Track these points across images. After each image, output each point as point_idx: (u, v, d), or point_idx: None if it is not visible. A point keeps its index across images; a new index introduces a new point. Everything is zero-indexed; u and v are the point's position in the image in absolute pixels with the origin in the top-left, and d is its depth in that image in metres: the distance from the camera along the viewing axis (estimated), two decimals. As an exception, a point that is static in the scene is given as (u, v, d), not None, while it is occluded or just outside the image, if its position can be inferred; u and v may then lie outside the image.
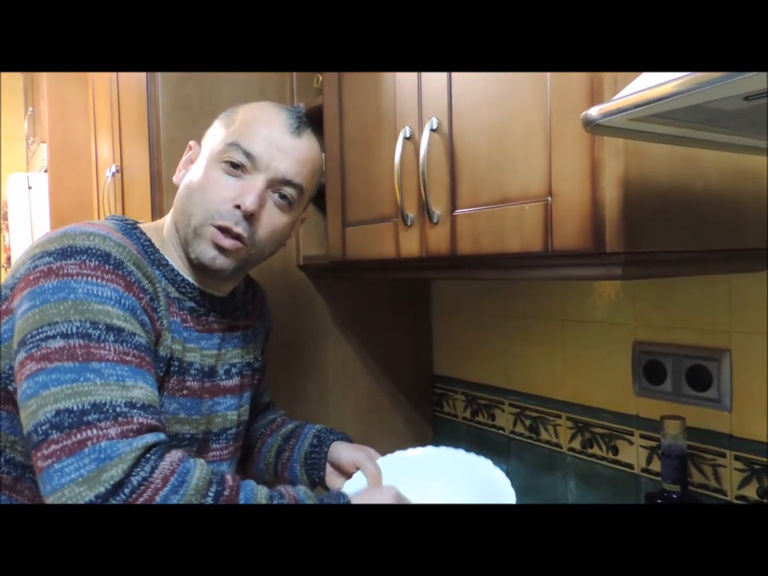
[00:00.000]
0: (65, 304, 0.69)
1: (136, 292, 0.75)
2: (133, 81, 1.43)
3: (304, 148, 0.85)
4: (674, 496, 0.91)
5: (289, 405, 1.37)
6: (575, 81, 0.71)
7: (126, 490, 0.62)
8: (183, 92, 1.26)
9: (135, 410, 0.67)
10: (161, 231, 0.88)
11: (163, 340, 0.79)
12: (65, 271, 0.70)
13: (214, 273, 0.85)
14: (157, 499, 0.63)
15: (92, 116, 1.91)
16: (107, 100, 1.67)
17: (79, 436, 0.63)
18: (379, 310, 1.48)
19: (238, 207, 0.80)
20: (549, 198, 0.75)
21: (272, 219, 0.85)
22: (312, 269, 1.38)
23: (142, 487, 0.63)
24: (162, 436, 0.69)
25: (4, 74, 3.67)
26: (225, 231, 0.81)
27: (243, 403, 0.96)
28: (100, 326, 0.69)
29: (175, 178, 0.89)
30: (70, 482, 0.62)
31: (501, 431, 1.37)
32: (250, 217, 0.81)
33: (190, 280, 0.86)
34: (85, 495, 0.61)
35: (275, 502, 0.72)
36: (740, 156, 0.75)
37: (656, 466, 1.05)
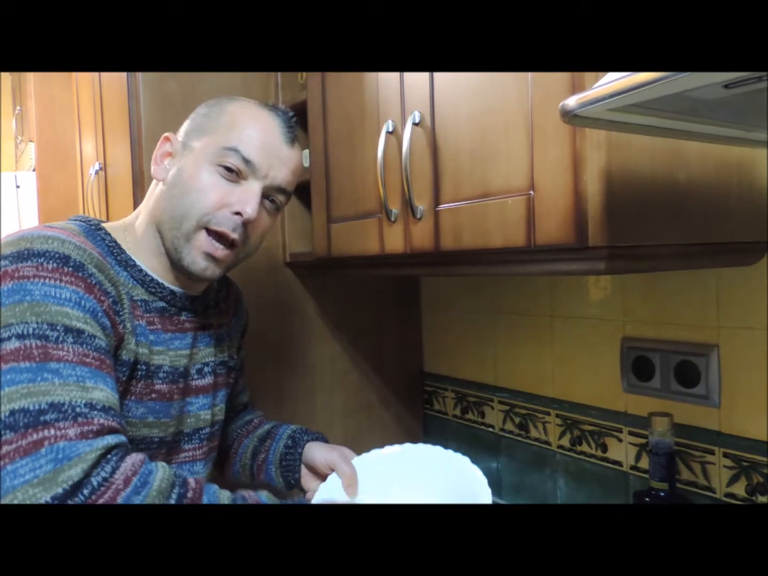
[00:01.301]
0: (21, 306, 0.66)
1: (97, 294, 0.72)
2: (115, 78, 1.41)
3: (296, 158, 0.86)
4: (662, 494, 0.90)
5: (276, 404, 1.35)
6: (557, 74, 0.69)
7: (85, 491, 0.60)
8: (164, 88, 1.24)
9: (95, 411, 0.64)
10: (131, 229, 0.86)
11: (126, 344, 0.77)
12: (21, 273, 0.67)
13: (202, 280, 0.84)
14: (119, 501, 0.61)
15: (77, 114, 1.89)
16: (90, 97, 1.66)
17: (35, 436, 0.61)
18: (367, 307, 1.46)
19: (237, 213, 0.79)
20: (531, 192, 0.73)
21: (264, 224, 0.85)
22: (299, 266, 1.36)
23: (103, 488, 0.61)
24: (123, 438, 0.67)
25: (-8, 73, 3.64)
26: (220, 237, 0.80)
27: (217, 402, 0.94)
28: (58, 327, 0.66)
29: (154, 171, 0.85)
30: (23, 483, 0.59)
31: (491, 429, 1.35)
32: (248, 224, 0.81)
33: (160, 280, 0.84)
34: (40, 496, 0.59)
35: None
36: (723, 148, 0.74)
37: (645, 463, 1.04)
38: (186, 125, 0.87)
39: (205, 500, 0.69)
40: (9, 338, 0.64)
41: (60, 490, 0.59)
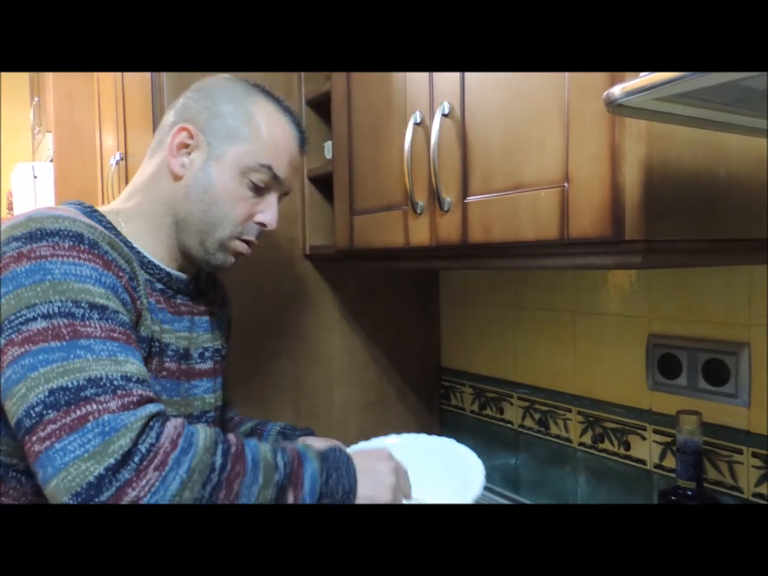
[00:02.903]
0: (42, 285, 0.65)
1: (115, 270, 0.72)
2: (138, 67, 1.40)
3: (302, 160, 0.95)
4: (689, 493, 0.89)
5: (294, 396, 1.35)
6: (594, 62, 0.68)
7: (136, 459, 0.61)
8: (187, 79, 1.23)
9: (132, 383, 0.65)
10: (126, 214, 0.85)
11: (144, 320, 0.77)
12: (37, 253, 0.67)
13: (218, 269, 0.89)
14: (169, 462, 0.62)
15: (97, 105, 1.89)
16: (112, 88, 1.65)
17: (78, 412, 0.61)
18: (386, 301, 1.46)
19: (260, 224, 0.86)
20: (566, 184, 0.72)
21: None
22: (318, 259, 1.35)
23: (152, 453, 0.62)
24: (161, 406, 0.67)
25: (10, 63, 3.64)
26: (247, 242, 0.87)
27: (217, 387, 0.95)
28: (83, 304, 0.66)
29: (172, 164, 0.84)
30: (75, 459, 0.59)
31: (509, 425, 1.34)
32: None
33: (156, 261, 0.84)
34: (93, 469, 0.59)
35: (278, 456, 0.71)
36: (763, 142, 0.72)
37: (670, 462, 1.03)
38: (205, 116, 0.84)
39: (247, 452, 0.69)
40: (35, 318, 0.64)
41: (112, 461, 0.60)
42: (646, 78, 0.51)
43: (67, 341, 0.64)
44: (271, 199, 0.87)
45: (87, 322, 0.66)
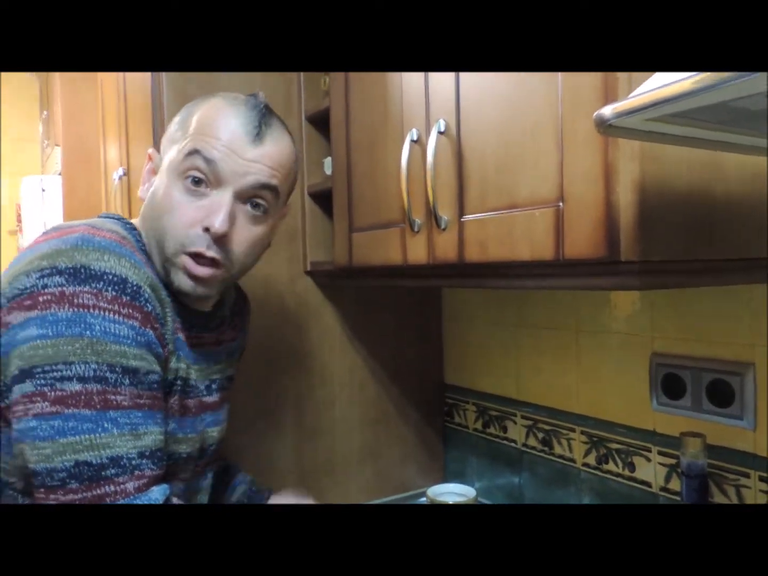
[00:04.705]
0: (81, 341, 0.66)
1: (152, 322, 0.72)
2: (139, 83, 1.41)
3: (270, 154, 0.78)
4: (693, 518, 0.87)
5: (295, 414, 1.34)
6: (588, 79, 0.67)
7: None
8: (188, 93, 1.23)
9: (145, 460, 0.69)
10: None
11: (169, 363, 0.77)
12: (80, 300, 0.66)
13: (198, 300, 0.82)
14: None
15: (101, 119, 1.90)
16: (115, 102, 1.66)
17: (98, 491, 0.66)
18: (388, 318, 1.44)
19: (207, 230, 0.74)
20: (560, 203, 0.71)
21: (247, 233, 0.78)
22: (319, 276, 1.34)
23: None
24: (167, 489, 0.72)
25: (19, 77, 3.69)
26: (198, 257, 0.75)
27: (224, 417, 0.93)
28: (117, 369, 0.68)
29: (140, 193, 0.83)
30: None
31: (513, 444, 1.32)
32: (222, 239, 0.75)
33: (173, 295, 0.81)
34: None
35: None
36: (762, 160, 0.70)
37: (675, 484, 1.00)
38: (164, 137, 0.83)
39: None
40: (71, 379, 0.65)
41: None
42: (636, 98, 0.49)
43: (97, 411, 0.66)
44: (217, 198, 0.75)
45: (117, 389, 0.68)
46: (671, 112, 0.50)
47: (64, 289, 0.66)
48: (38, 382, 0.65)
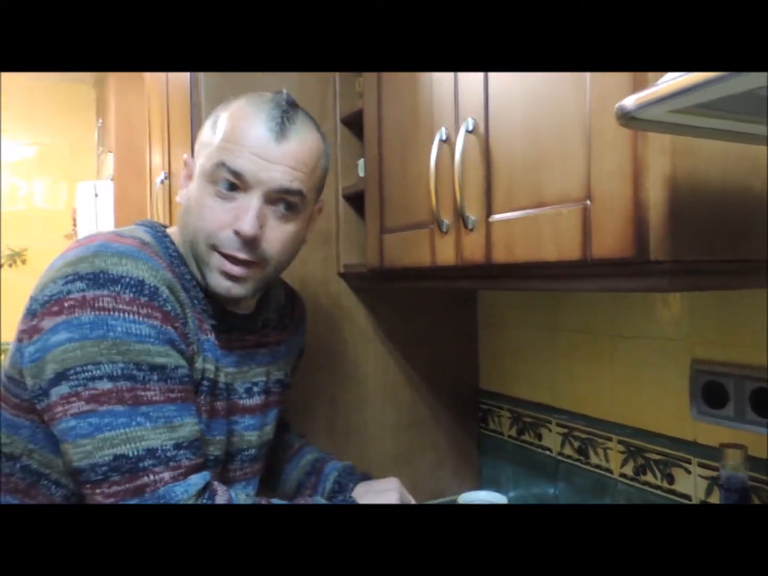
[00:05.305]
0: (105, 342, 0.69)
1: (172, 321, 0.74)
2: (180, 89, 1.44)
3: (294, 151, 0.78)
4: (734, 533, 0.82)
5: (329, 415, 1.34)
6: (616, 77, 0.64)
7: None
8: (225, 97, 1.25)
9: (182, 451, 0.71)
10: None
11: (195, 363, 0.78)
12: (100, 304, 0.69)
13: (234, 301, 0.83)
14: None
15: (148, 125, 1.95)
16: (159, 108, 1.70)
17: (137, 482, 0.68)
18: (422, 320, 1.43)
19: (237, 233, 0.76)
20: (588, 201, 0.68)
21: (278, 233, 0.79)
22: (352, 277, 1.34)
23: None
24: (207, 475, 0.74)
25: (78, 88, 3.84)
26: (231, 259, 0.77)
27: (268, 421, 0.93)
28: (144, 367, 0.70)
29: (178, 198, 0.85)
30: None
31: (548, 452, 1.29)
32: (253, 241, 0.76)
33: (209, 298, 0.83)
34: None
35: None
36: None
37: (717, 498, 0.96)
38: (197, 141, 0.85)
39: None
40: (101, 378, 0.68)
41: None
42: (659, 88, 0.47)
43: (130, 406, 0.69)
44: (245, 202, 0.76)
45: (147, 386, 0.70)
46: (696, 102, 0.47)
47: (86, 294, 0.70)
48: (72, 383, 0.68)
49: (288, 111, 0.79)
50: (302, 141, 0.79)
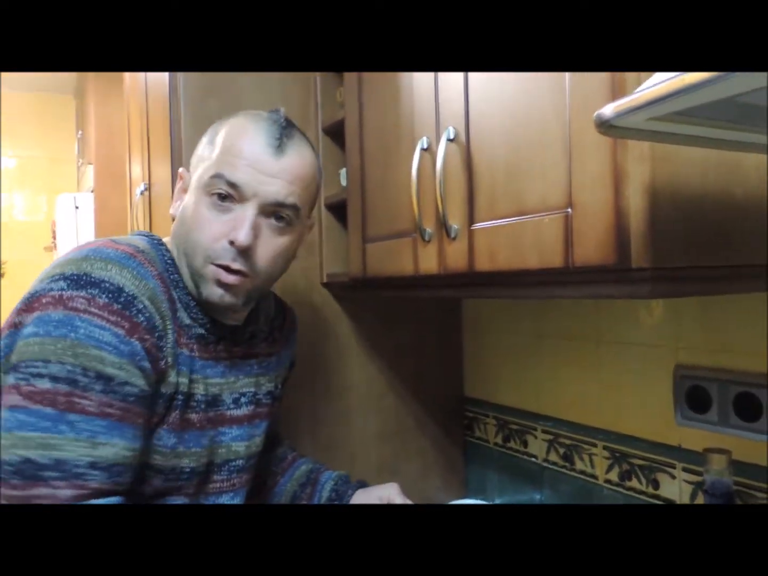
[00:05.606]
0: (64, 342, 0.68)
1: (141, 333, 0.73)
2: (160, 99, 1.43)
3: (291, 167, 0.80)
4: (719, 538, 0.82)
5: (311, 427, 1.32)
6: (595, 81, 0.64)
7: None
8: (204, 108, 1.25)
9: (95, 472, 0.68)
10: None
11: (167, 377, 0.77)
12: (73, 304, 0.70)
13: (225, 309, 0.83)
14: None
15: (127, 136, 1.94)
16: (139, 119, 1.69)
17: (32, 491, 0.65)
18: (406, 329, 1.42)
19: (232, 243, 0.77)
20: (569, 209, 0.68)
21: (271, 245, 0.81)
22: (335, 287, 1.34)
23: None
24: (114, 500, 0.70)
25: (58, 97, 3.81)
26: (225, 269, 0.78)
27: (257, 433, 0.92)
28: (90, 373, 0.69)
29: (171, 210, 0.86)
30: None
31: (533, 459, 1.28)
32: (247, 251, 0.78)
33: (200, 307, 0.83)
34: None
35: None
36: (786, 160, 0.67)
37: (702, 503, 0.96)
38: (193, 156, 0.87)
39: None
40: (44, 377, 0.68)
41: None
42: (637, 96, 0.47)
43: (59, 411, 0.67)
44: (241, 213, 0.77)
45: (87, 394, 0.68)
46: (674, 110, 0.48)
47: (63, 293, 0.70)
48: (19, 375, 0.69)
49: (286, 128, 0.82)
50: (299, 157, 0.82)
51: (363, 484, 1.01)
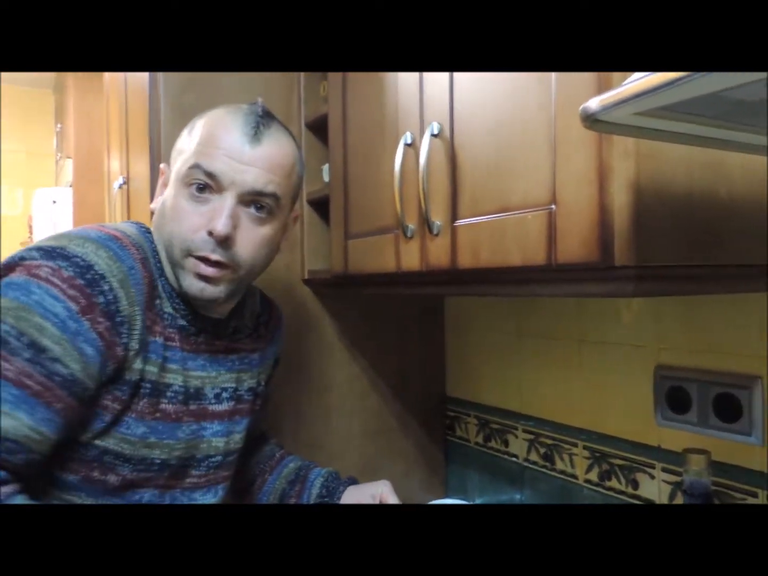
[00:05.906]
0: (13, 303, 0.67)
1: (95, 315, 0.70)
2: (139, 93, 1.40)
3: (268, 155, 0.79)
4: (699, 538, 0.82)
5: (294, 426, 1.31)
6: (582, 77, 0.64)
7: None
8: (184, 102, 1.22)
9: None
10: None
11: (130, 364, 0.75)
12: (37, 272, 0.69)
13: (207, 303, 0.81)
14: None
15: (106, 130, 1.90)
16: (118, 113, 1.66)
17: None
18: (388, 327, 1.41)
19: (210, 233, 0.76)
20: (552, 206, 0.68)
21: (252, 235, 0.79)
22: (317, 284, 1.32)
23: None
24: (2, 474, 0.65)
25: (36, 91, 3.74)
26: (204, 260, 0.77)
27: (237, 429, 0.90)
28: (24, 340, 0.66)
29: (152, 205, 0.86)
30: None
31: (514, 458, 1.28)
32: (226, 241, 0.76)
33: (182, 298, 0.82)
34: None
35: None
36: (769, 159, 0.67)
37: (681, 503, 0.96)
38: (173, 149, 0.86)
39: None
40: None
41: None
42: (623, 89, 0.46)
43: None
44: (219, 203, 0.77)
45: (11, 358, 0.66)
46: (661, 104, 0.47)
47: (33, 262, 0.70)
48: None
49: (263, 118, 0.81)
50: (276, 146, 0.81)
51: (353, 481, 1.01)
